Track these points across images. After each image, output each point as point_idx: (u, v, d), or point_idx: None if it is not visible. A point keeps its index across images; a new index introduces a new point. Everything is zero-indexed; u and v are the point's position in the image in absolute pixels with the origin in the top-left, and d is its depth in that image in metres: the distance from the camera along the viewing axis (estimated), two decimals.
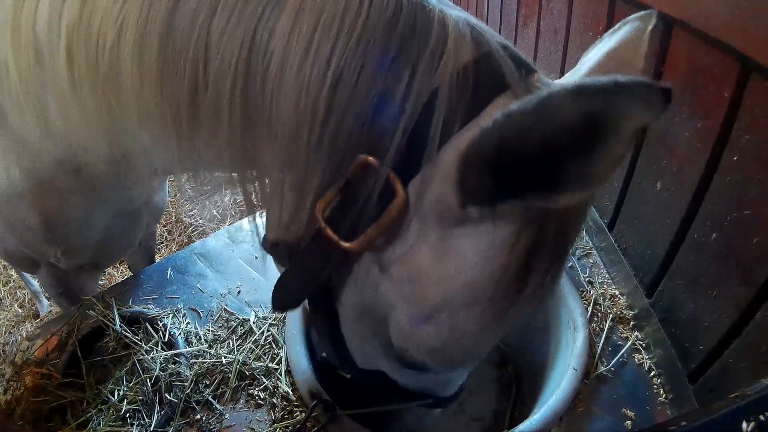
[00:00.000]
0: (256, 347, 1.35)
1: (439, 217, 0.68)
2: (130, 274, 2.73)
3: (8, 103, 1.03)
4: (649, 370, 1.22)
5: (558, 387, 1.15)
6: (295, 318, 1.31)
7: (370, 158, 0.66)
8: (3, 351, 3.34)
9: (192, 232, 3.87)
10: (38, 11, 0.81)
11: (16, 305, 3.73)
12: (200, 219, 3.97)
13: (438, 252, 0.71)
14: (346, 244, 0.70)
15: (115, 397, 1.24)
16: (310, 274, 0.79)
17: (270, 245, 0.86)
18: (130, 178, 1.06)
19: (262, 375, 1.28)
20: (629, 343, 1.28)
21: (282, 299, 0.85)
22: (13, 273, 3.86)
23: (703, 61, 1.07)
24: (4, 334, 3.49)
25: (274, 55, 0.68)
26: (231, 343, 1.37)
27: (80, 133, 0.91)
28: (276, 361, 1.31)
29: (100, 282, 3.43)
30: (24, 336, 3.35)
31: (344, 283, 0.81)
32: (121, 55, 0.75)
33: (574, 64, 1.72)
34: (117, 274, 3.64)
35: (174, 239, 3.85)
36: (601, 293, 1.41)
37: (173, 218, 4.01)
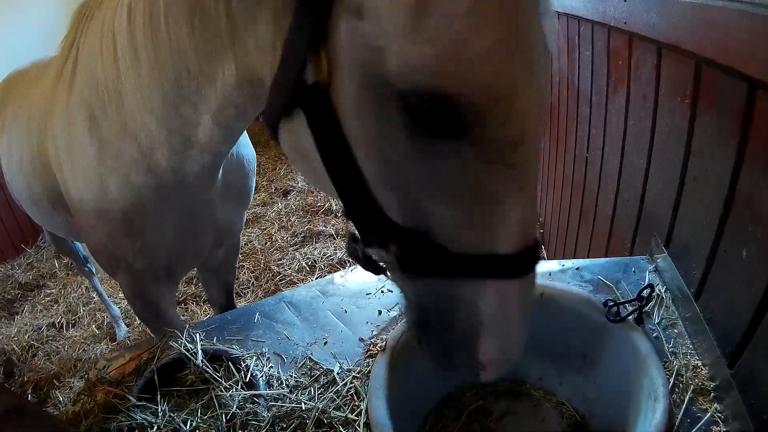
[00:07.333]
0: (337, 397, 1.38)
1: None
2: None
3: (100, 110, 1.44)
4: None
5: None
6: (379, 374, 1.33)
7: None
8: (75, 365, 3.56)
9: (280, 280, 4.02)
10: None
11: (93, 326, 3.97)
12: (289, 269, 4.12)
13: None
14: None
15: (187, 427, 1.27)
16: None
17: None
18: (188, 157, 1.43)
19: (340, 424, 1.31)
20: (708, 415, 1.24)
21: None
22: (94, 295, 4.10)
23: None
24: (78, 350, 3.70)
25: None
26: (312, 391, 1.41)
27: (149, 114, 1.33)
28: (356, 413, 1.33)
29: (183, 317, 3.58)
30: (101, 354, 3.52)
31: None
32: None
33: (664, 129, 1.73)
34: (200, 312, 3.81)
35: (261, 286, 4.01)
36: (684, 364, 1.38)
37: (262, 265, 4.19)
